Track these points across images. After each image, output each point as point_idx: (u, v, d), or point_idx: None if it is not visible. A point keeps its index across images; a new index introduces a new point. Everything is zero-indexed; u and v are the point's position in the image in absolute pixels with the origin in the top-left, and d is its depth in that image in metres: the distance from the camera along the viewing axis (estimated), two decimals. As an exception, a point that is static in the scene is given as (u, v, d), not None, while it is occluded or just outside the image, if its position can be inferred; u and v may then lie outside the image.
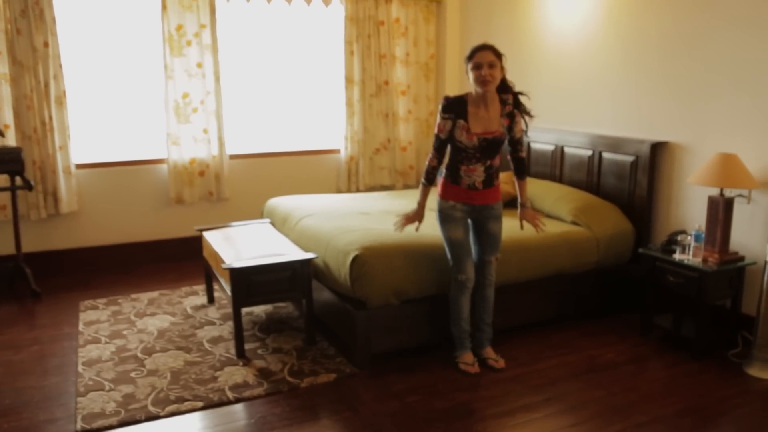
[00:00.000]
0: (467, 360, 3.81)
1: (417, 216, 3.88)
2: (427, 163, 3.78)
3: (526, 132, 3.78)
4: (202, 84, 5.88)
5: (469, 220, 3.84)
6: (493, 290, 3.92)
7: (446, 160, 3.79)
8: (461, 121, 3.60)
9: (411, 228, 4.01)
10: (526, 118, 3.75)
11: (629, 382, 3.67)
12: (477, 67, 3.51)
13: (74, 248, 5.80)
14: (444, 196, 3.77)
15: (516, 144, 3.76)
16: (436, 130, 3.70)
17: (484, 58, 3.49)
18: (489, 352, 3.90)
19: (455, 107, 3.62)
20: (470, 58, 3.55)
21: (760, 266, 3.91)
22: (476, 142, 3.60)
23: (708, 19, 4.23)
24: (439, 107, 3.67)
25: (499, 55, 3.53)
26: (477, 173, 3.68)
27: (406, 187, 6.93)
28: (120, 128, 5.95)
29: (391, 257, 3.83)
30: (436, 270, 3.93)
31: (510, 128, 3.68)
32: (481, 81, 3.51)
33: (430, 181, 3.80)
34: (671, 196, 4.61)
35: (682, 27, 4.41)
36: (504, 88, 3.65)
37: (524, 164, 3.85)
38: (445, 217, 3.77)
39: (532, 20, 5.80)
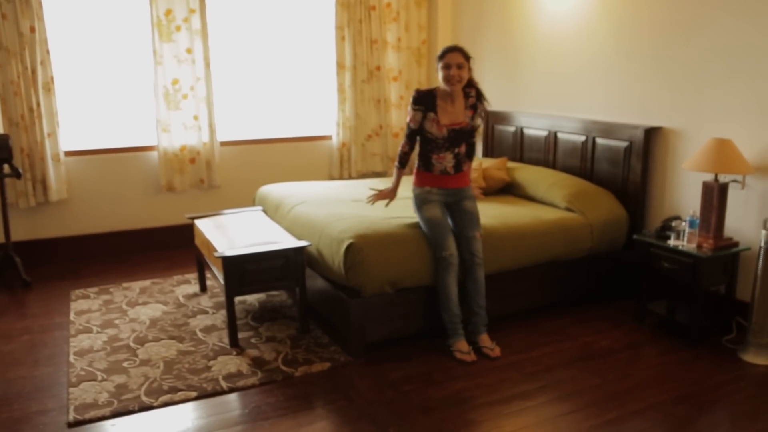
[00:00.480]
0: (462, 348, 3.80)
1: (390, 194, 4.14)
2: (399, 149, 4.05)
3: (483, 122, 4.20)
4: (191, 70, 5.81)
5: (445, 207, 4.00)
6: (483, 271, 3.92)
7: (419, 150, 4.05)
8: (431, 114, 3.87)
9: (406, 216, 4.13)
10: (486, 105, 4.04)
11: (624, 369, 3.67)
12: (446, 67, 3.78)
13: (64, 236, 5.75)
14: (419, 183, 4.00)
15: (473, 131, 4.04)
16: (407, 120, 3.96)
17: (454, 59, 3.77)
18: (484, 340, 3.89)
19: (425, 100, 3.88)
20: (441, 57, 3.82)
21: (754, 252, 3.91)
22: (445, 133, 3.88)
23: (702, 4, 4.20)
24: (411, 99, 3.92)
25: (467, 57, 3.82)
26: (447, 160, 3.94)
27: (399, 173, 6.89)
28: (109, 115, 5.87)
29: (386, 245, 3.81)
30: (430, 258, 3.90)
31: (472, 118, 3.97)
32: (448, 80, 3.79)
33: (403, 164, 4.08)
34: (665, 182, 4.60)
35: (675, 11, 4.38)
36: (469, 84, 3.93)
37: (474, 148, 4.14)
38: (421, 201, 3.97)
39: (525, 4, 5.75)
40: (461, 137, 3.93)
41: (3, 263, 5.17)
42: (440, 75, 3.81)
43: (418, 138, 3.97)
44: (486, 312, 3.94)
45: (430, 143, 3.90)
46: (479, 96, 3.96)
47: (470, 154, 4.10)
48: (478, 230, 3.95)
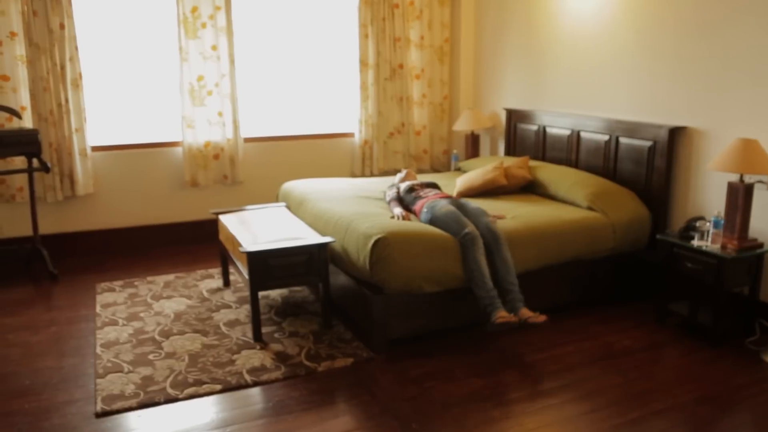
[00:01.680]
0: (503, 314, 3.70)
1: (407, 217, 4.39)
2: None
3: None
4: (216, 66, 5.87)
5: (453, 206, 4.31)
6: (508, 249, 3.98)
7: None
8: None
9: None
10: None
11: (646, 369, 3.67)
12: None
13: (90, 230, 5.84)
14: (422, 206, 4.37)
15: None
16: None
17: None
18: (525, 312, 3.78)
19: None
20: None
21: (779, 254, 3.89)
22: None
23: (726, 3, 4.17)
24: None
25: None
26: (431, 192, 4.58)
27: (420, 171, 6.91)
28: (135, 111, 5.95)
29: (412, 243, 3.83)
30: (454, 259, 3.91)
31: None
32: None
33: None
34: (689, 182, 4.57)
35: (699, 10, 4.35)
36: None
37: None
38: (430, 208, 4.25)
39: (548, 2, 5.74)
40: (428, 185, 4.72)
41: (31, 256, 5.28)
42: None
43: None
44: (519, 288, 3.89)
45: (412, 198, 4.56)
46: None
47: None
48: (490, 216, 4.19)
